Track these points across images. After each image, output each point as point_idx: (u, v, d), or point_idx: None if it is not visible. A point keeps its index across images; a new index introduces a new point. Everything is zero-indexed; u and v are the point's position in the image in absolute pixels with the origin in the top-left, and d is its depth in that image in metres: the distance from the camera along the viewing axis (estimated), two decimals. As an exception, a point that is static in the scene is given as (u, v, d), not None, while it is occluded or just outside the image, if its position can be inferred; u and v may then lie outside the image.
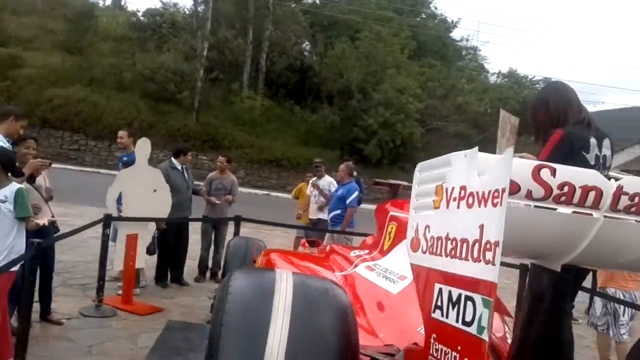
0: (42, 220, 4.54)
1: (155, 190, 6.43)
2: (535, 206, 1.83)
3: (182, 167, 7.49)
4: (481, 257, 1.48)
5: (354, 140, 26.28)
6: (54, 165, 5.05)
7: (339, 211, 7.97)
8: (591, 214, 1.86)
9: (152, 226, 6.67)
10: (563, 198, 1.82)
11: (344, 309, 1.82)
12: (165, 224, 7.03)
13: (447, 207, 1.78)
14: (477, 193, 1.58)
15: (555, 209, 1.84)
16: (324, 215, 8.36)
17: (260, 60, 28.59)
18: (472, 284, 1.52)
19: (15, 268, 3.89)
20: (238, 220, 7.37)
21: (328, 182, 8.64)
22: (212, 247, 8.05)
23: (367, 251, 3.67)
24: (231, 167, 8.66)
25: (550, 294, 3.13)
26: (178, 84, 25.72)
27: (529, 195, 1.81)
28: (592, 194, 1.82)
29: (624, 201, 1.85)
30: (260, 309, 1.69)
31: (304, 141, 26.88)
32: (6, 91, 23.99)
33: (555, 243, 1.96)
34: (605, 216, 1.86)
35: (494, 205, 1.46)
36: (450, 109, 28.51)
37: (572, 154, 2.92)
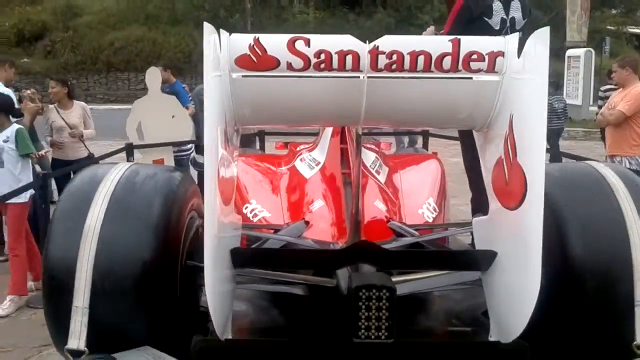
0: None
1: (173, 116, 6.71)
2: (299, 76, 1.97)
3: None
4: None
5: (411, 41, 25.47)
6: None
7: None
8: (358, 77, 1.96)
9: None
10: (323, 65, 1.93)
11: (167, 190, 2.08)
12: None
13: None
14: None
15: (322, 77, 1.96)
16: None
17: (308, -30, 27.77)
18: None
19: (26, 199, 4.33)
20: (262, 135, 7.58)
21: None
22: None
23: (310, 145, 3.86)
24: None
25: (474, 163, 3.14)
26: (228, 8, 25.63)
27: (290, 67, 1.95)
28: (349, 58, 1.92)
29: (383, 60, 1.93)
30: (84, 195, 2.01)
31: (361, 49, 26.30)
32: (70, 41, 24.98)
33: (337, 109, 2.09)
34: (369, 77, 1.95)
35: None
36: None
37: (473, 20, 3.01)
